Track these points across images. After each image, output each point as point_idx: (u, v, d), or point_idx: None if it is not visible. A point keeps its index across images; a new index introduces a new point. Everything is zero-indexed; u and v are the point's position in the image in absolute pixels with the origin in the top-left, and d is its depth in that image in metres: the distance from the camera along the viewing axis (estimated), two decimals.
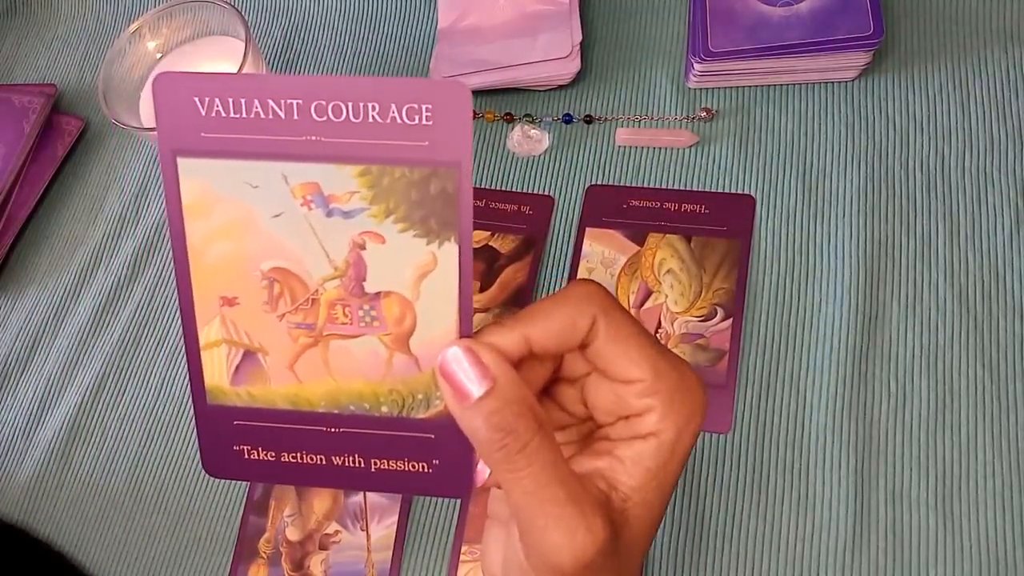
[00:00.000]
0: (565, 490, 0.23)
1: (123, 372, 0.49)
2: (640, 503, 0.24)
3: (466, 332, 0.25)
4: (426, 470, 0.26)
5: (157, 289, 0.51)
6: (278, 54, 0.57)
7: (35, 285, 0.54)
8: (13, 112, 0.55)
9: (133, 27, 0.49)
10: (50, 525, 0.46)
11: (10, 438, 0.49)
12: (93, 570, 0.44)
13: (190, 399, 0.27)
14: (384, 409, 0.25)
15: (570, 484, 0.23)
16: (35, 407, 0.50)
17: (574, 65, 0.49)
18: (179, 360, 0.49)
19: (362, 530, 0.42)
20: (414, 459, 0.26)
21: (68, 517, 0.46)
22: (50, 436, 0.48)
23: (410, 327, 0.25)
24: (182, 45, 0.50)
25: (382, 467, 0.26)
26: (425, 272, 0.24)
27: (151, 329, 0.50)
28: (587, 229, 0.47)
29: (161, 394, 0.48)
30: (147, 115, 0.49)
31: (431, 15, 0.55)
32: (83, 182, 0.56)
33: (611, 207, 0.47)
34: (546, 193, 0.48)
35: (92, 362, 0.50)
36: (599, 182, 0.48)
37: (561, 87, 0.51)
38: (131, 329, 0.50)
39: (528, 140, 0.49)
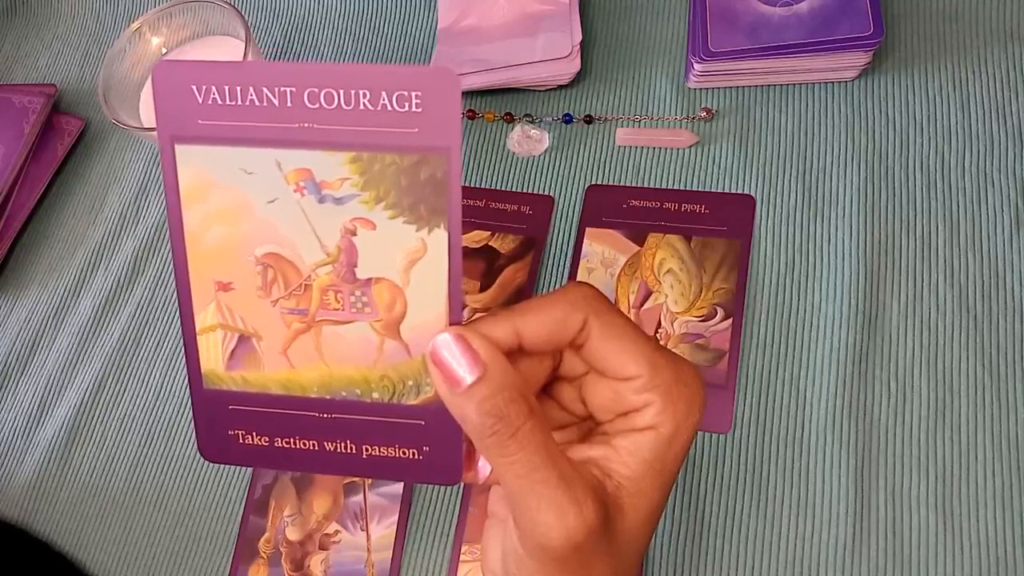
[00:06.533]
0: (557, 472, 0.23)
1: (123, 372, 0.49)
2: (635, 493, 0.24)
3: (455, 319, 0.25)
4: (416, 456, 0.26)
5: (157, 289, 0.51)
6: (278, 54, 0.57)
7: (35, 285, 0.54)
8: (13, 112, 0.55)
9: (133, 27, 0.49)
10: (50, 525, 0.46)
11: (10, 438, 0.49)
12: (93, 570, 0.44)
13: (190, 399, 0.27)
14: (375, 395, 0.26)
15: (562, 466, 0.23)
16: (35, 407, 0.50)
17: (574, 65, 0.49)
18: (179, 360, 0.49)
19: (362, 530, 0.42)
20: (404, 445, 0.26)
21: (68, 517, 0.46)
22: (50, 436, 0.48)
23: (400, 313, 0.25)
24: (182, 45, 0.50)
25: (373, 453, 0.26)
26: (415, 259, 0.24)
27: (151, 329, 0.50)
28: (587, 229, 0.47)
29: (161, 394, 0.48)
30: (147, 115, 0.49)
31: (431, 15, 0.55)
32: (83, 182, 0.56)
33: (611, 207, 0.47)
34: (546, 193, 0.48)
35: (92, 362, 0.50)
36: (599, 182, 0.48)
37: (561, 87, 0.51)
38: (131, 329, 0.50)
39: (528, 140, 0.49)
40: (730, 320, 0.43)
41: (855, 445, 0.39)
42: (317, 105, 0.23)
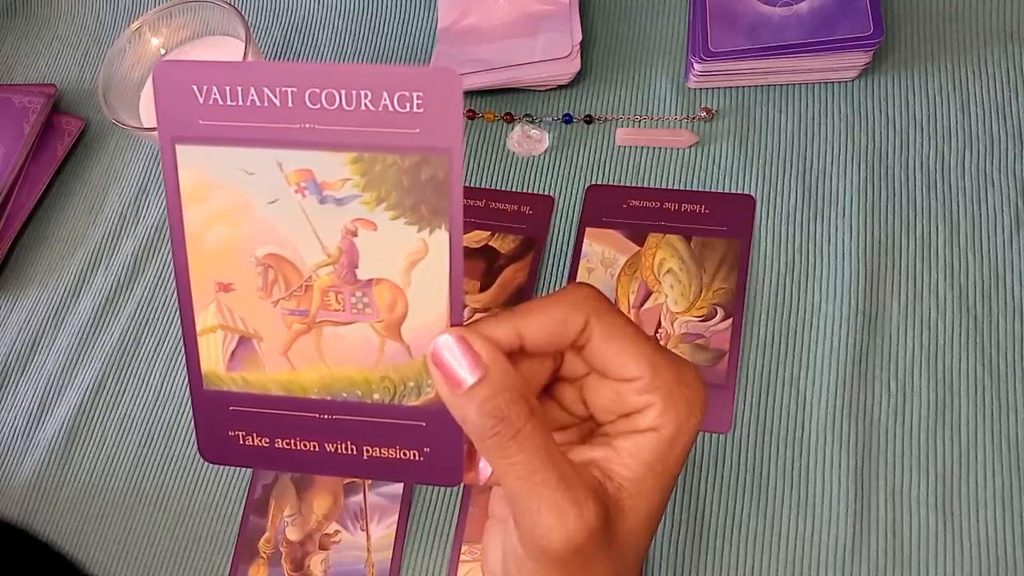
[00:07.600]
0: (557, 474, 0.23)
1: (123, 372, 0.49)
2: (636, 494, 0.24)
3: (456, 320, 0.25)
4: (417, 458, 0.26)
5: (157, 289, 0.51)
6: (278, 54, 0.57)
7: (35, 285, 0.54)
8: (13, 112, 0.55)
9: (133, 27, 0.49)
10: (50, 525, 0.46)
11: (10, 438, 0.49)
12: (93, 570, 0.44)
13: (190, 398, 0.27)
14: (376, 396, 0.26)
15: (562, 468, 0.23)
16: (35, 407, 0.50)
17: (574, 65, 0.49)
18: (179, 361, 0.49)
19: (362, 530, 0.42)
20: (405, 447, 0.26)
21: (68, 517, 0.46)
22: (50, 436, 0.48)
23: (401, 314, 0.25)
24: (182, 45, 0.50)
25: (374, 454, 0.26)
26: (416, 259, 0.24)
27: (151, 329, 0.50)
28: (587, 229, 0.47)
29: (161, 394, 0.48)
30: (147, 115, 0.49)
31: (431, 15, 0.55)
32: (83, 182, 0.56)
33: (611, 207, 0.47)
34: (546, 193, 0.48)
35: (92, 362, 0.50)
36: (599, 182, 0.48)
37: (561, 87, 0.51)
38: (131, 329, 0.50)
39: (528, 140, 0.49)
40: (730, 320, 0.43)
41: (855, 445, 0.39)
42: (318, 105, 0.23)
